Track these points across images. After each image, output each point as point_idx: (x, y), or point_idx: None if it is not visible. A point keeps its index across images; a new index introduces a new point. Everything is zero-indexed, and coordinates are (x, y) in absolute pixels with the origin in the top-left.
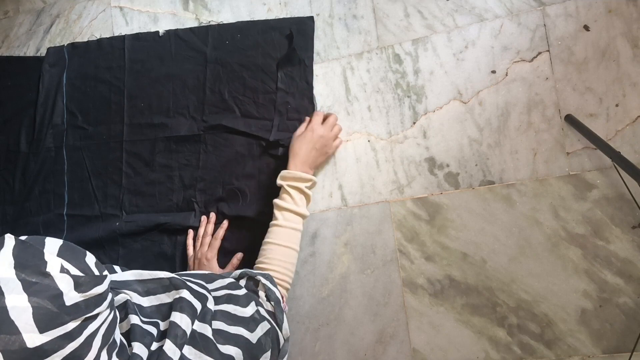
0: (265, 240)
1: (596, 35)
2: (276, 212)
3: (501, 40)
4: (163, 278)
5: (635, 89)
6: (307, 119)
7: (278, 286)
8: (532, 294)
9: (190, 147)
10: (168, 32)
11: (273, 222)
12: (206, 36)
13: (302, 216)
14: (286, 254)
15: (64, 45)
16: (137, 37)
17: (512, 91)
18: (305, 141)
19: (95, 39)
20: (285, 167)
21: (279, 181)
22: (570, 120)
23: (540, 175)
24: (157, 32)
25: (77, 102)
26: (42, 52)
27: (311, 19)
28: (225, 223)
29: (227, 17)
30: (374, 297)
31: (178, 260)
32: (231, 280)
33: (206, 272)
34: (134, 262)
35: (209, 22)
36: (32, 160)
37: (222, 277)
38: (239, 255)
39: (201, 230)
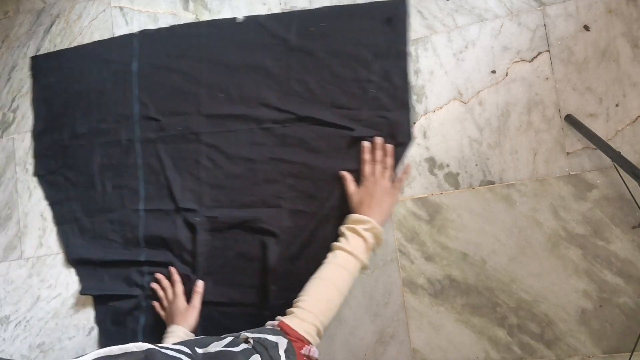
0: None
1: (596, 35)
2: (328, 253)
3: (501, 40)
4: (136, 352)
5: (635, 89)
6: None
7: (305, 324)
8: (532, 294)
9: (275, 140)
10: (247, 18)
11: (323, 261)
12: (289, 22)
13: (356, 258)
14: (327, 288)
15: (133, 32)
16: (213, 23)
17: (512, 91)
18: (369, 189)
19: (168, 25)
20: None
21: (339, 228)
22: (570, 120)
23: (540, 175)
24: (235, 18)
25: (148, 92)
26: (42, 52)
27: (404, 2)
28: (172, 270)
29: (227, 16)
30: (374, 297)
31: (261, 263)
32: (232, 338)
33: (200, 337)
34: (212, 261)
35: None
36: (97, 154)
37: (222, 339)
38: (199, 284)
39: (160, 293)
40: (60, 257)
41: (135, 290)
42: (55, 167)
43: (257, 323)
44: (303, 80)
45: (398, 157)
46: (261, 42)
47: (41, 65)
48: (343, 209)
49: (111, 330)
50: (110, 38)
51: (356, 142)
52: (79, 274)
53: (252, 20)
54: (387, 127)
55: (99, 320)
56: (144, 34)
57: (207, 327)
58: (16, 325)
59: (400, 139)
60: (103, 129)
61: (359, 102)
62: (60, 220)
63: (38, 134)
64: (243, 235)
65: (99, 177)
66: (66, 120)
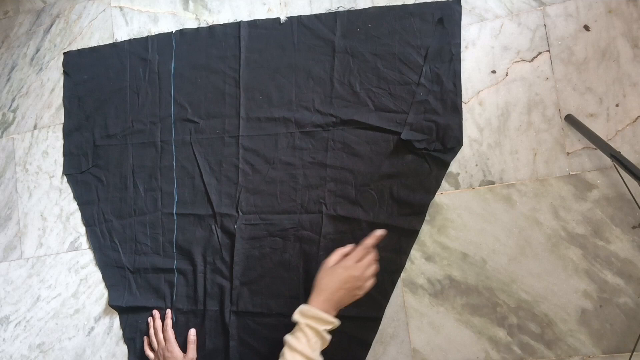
0: None
1: (596, 35)
2: (286, 352)
3: (501, 40)
4: None
5: (635, 89)
6: (342, 249)
7: None
8: (532, 294)
9: (317, 144)
10: (290, 19)
11: None
12: (334, 23)
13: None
14: None
15: (172, 32)
16: (254, 24)
17: (512, 91)
18: (334, 278)
19: (206, 25)
20: (425, 177)
21: (296, 316)
22: (571, 120)
23: (541, 175)
24: (278, 18)
25: (186, 93)
26: (42, 52)
27: (458, 2)
28: (169, 312)
29: (227, 16)
30: None
31: (302, 272)
32: None
33: None
34: (250, 270)
35: (212, 21)
36: (130, 155)
37: None
38: (192, 331)
39: (151, 331)
40: (60, 257)
41: (163, 303)
42: (86, 166)
43: None
44: (347, 82)
45: (447, 163)
46: (304, 43)
47: (74, 62)
48: (390, 215)
49: (141, 348)
50: (148, 36)
51: (402, 146)
52: (106, 279)
53: (295, 21)
54: (436, 132)
55: (127, 340)
56: (183, 33)
57: (245, 337)
58: (16, 325)
59: (449, 144)
60: (137, 129)
61: (406, 105)
62: (89, 222)
63: (68, 132)
64: (283, 244)
65: (131, 179)
66: (98, 119)
